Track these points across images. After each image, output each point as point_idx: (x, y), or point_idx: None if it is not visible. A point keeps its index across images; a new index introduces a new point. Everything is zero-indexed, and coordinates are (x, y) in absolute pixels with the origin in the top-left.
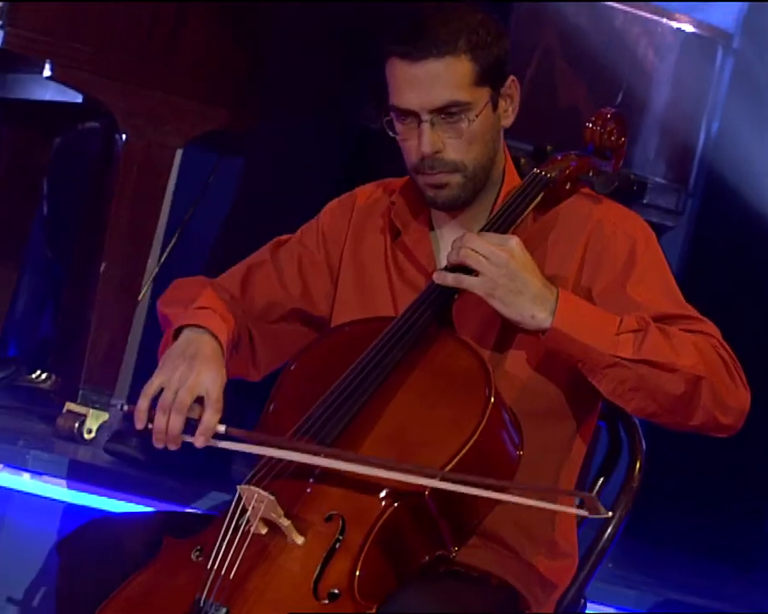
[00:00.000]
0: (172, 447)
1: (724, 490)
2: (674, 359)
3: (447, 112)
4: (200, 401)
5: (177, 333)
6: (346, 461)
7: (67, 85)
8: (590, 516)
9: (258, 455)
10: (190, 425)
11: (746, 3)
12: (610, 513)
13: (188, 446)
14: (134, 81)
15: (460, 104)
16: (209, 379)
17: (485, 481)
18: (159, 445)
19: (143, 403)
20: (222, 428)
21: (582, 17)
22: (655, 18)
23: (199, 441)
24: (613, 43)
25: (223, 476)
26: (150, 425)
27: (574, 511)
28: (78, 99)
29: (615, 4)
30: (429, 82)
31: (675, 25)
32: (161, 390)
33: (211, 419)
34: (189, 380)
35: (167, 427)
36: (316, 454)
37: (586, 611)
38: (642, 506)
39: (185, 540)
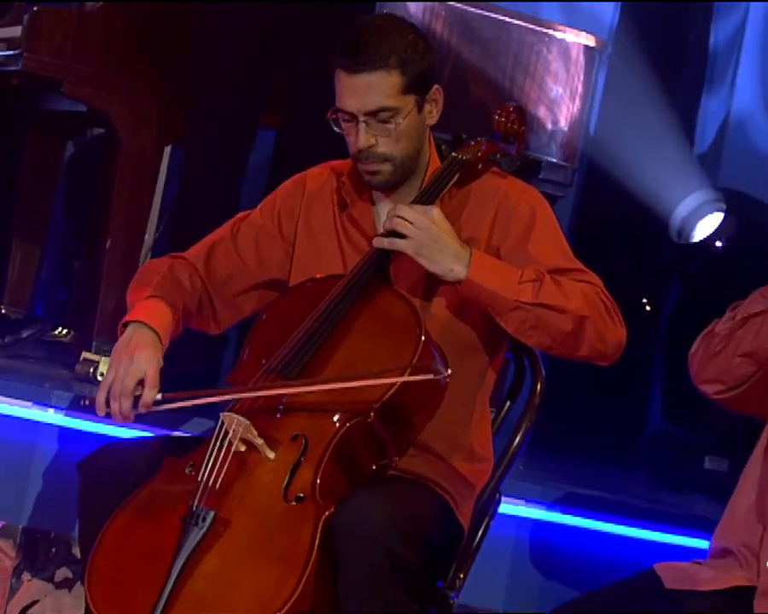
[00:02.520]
0: (129, 422)
1: (611, 404)
2: (564, 303)
3: (379, 115)
4: (141, 382)
5: (125, 326)
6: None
7: (74, 99)
8: (436, 377)
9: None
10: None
11: (616, 16)
12: (449, 371)
13: None
14: (128, 94)
15: (389, 109)
16: (145, 363)
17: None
18: (118, 422)
19: (101, 397)
20: (159, 396)
21: (486, 31)
22: (546, 31)
23: (142, 410)
24: (513, 51)
25: (209, 406)
26: (108, 411)
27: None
28: (84, 109)
29: (514, 21)
30: (364, 91)
31: (560, 35)
32: (113, 383)
33: (148, 395)
34: (131, 369)
35: (120, 410)
36: (245, 391)
37: (501, 505)
38: (545, 419)
39: (180, 458)
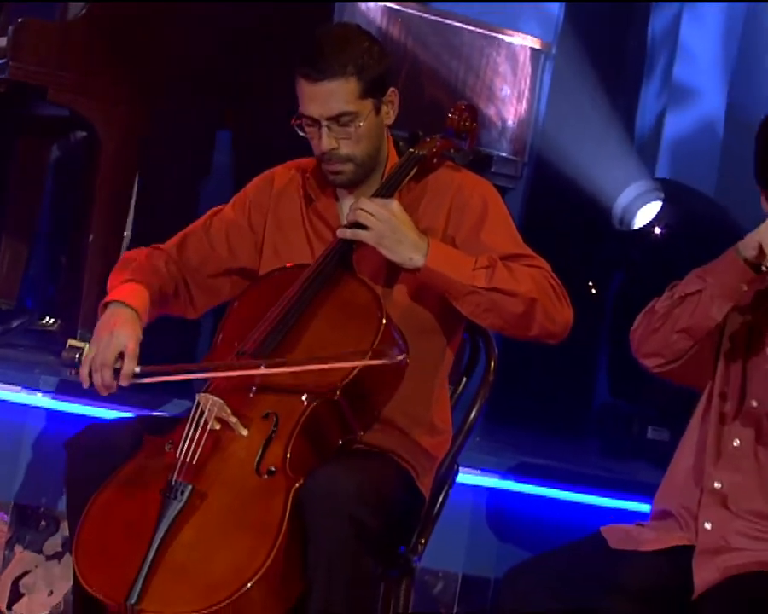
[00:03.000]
0: (112, 392)
1: (561, 381)
2: (516, 287)
3: (340, 119)
4: (122, 355)
5: (105, 306)
6: (247, 370)
7: (58, 105)
8: (390, 361)
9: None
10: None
11: (561, 19)
12: (405, 356)
13: None
14: (107, 99)
15: (349, 114)
16: (125, 337)
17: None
18: (103, 394)
19: (84, 370)
20: (138, 369)
21: (440, 35)
22: (495, 35)
23: (123, 382)
24: (465, 54)
25: (186, 388)
26: (91, 382)
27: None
28: (67, 113)
29: (466, 26)
30: (325, 98)
31: (508, 39)
32: (95, 356)
33: (128, 366)
34: (111, 342)
35: (102, 381)
36: (220, 369)
37: (459, 474)
38: (500, 394)
39: (160, 437)
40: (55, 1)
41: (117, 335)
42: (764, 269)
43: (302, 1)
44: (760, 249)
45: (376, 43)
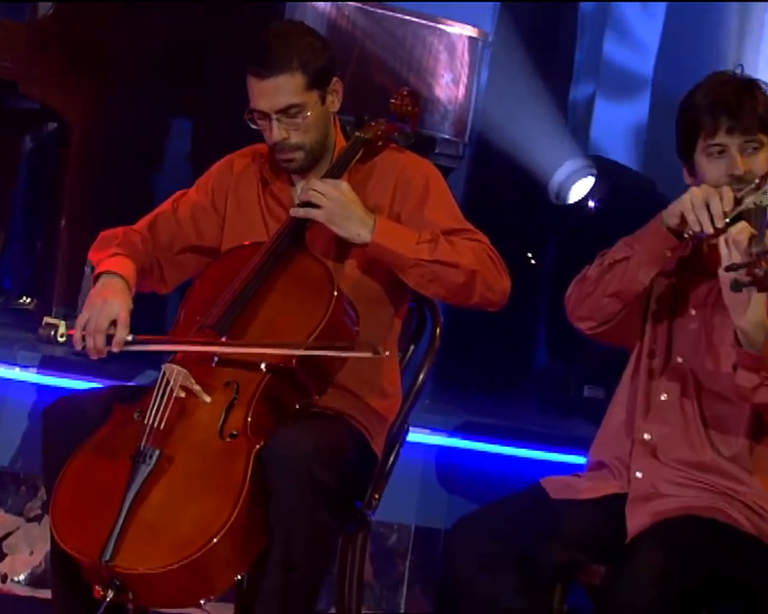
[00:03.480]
0: (103, 356)
1: (503, 345)
2: (457, 259)
3: (288, 112)
4: (114, 323)
5: (97, 278)
6: (232, 347)
7: (28, 98)
8: (374, 356)
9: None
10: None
11: (497, 8)
12: (387, 352)
13: None
14: (73, 92)
15: (296, 106)
16: (117, 306)
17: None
18: (93, 357)
19: (77, 333)
20: (130, 337)
21: (385, 27)
22: (436, 25)
23: (115, 348)
24: (408, 43)
25: (155, 359)
26: (84, 345)
27: (368, 355)
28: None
29: (408, 17)
30: (273, 92)
31: (448, 29)
32: (88, 321)
33: (120, 333)
34: (104, 309)
35: (94, 345)
36: (204, 344)
37: (409, 434)
38: (447, 359)
39: (129, 405)
40: (25, 1)
41: (110, 303)
42: (686, 236)
43: (255, 1)
44: (682, 217)
45: (319, 37)
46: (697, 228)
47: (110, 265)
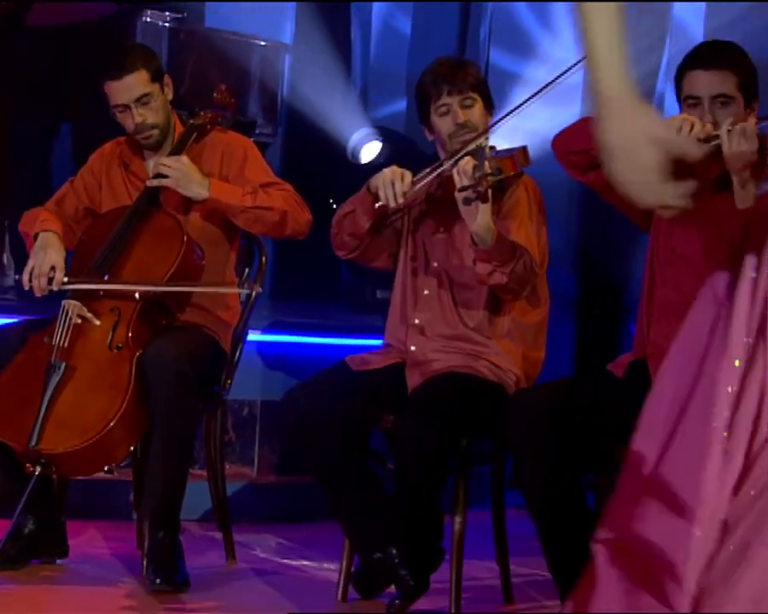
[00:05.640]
0: (44, 294)
1: (316, 266)
2: (271, 204)
3: (142, 99)
4: (53, 268)
5: (35, 237)
6: (114, 284)
7: None
8: (247, 291)
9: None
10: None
11: (294, 19)
12: (260, 289)
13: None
14: None
15: (147, 95)
16: (55, 255)
17: (185, 283)
18: (38, 295)
19: (25, 277)
20: (65, 279)
21: (210, 41)
22: (247, 40)
23: (55, 287)
24: (227, 53)
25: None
26: (30, 286)
27: (241, 291)
28: None
29: (232, 36)
30: (128, 88)
31: (256, 42)
32: (33, 267)
33: (59, 276)
34: (45, 258)
35: (39, 285)
36: (98, 282)
37: (249, 334)
38: (278, 279)
39: (39, 333)
40: None
41: (49, 253)
42: (377, 205)
43: (110, 26)
44: (377, 190)
45: (149, 48)
46: (383, 201)
47: (43, 225)
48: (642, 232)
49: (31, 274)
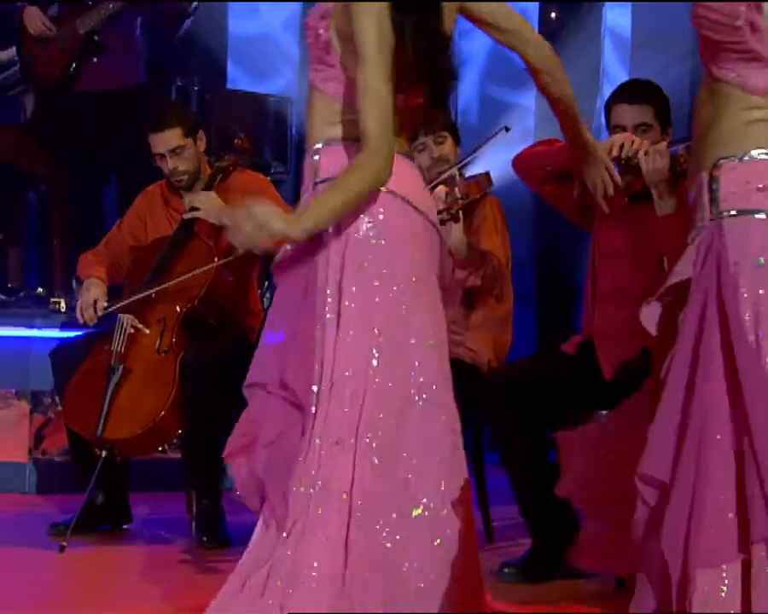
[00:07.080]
0: (94, 322)
1: None
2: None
3: (175, 151)
4: (95, 302)
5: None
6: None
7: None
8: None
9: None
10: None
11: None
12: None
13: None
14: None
15: (179, 147)
16: (95, 291)
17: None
18: (90, 323)
19: (77, 312)
20: (105, 304)
21: (231, 101)
22: (262, 96)
23: (99, 313)
24: (243, 109)
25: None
26: (82, 319)
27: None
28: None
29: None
30: (165, 140)
31: (270, 98)
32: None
33: (100, 304)
34: (88, 296)
35: (87, 316)
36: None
37: None
38: None
39: (102, 342)
40: None
41: (91, 291)
42: None
43: (147, 90)
44: None
45: (186, 107)
46: None
47: (88, 272)
48: (586, 233)
49: (81, 309)
